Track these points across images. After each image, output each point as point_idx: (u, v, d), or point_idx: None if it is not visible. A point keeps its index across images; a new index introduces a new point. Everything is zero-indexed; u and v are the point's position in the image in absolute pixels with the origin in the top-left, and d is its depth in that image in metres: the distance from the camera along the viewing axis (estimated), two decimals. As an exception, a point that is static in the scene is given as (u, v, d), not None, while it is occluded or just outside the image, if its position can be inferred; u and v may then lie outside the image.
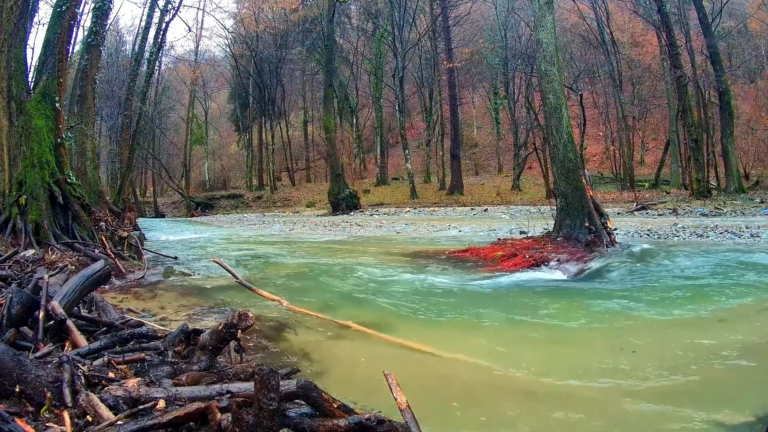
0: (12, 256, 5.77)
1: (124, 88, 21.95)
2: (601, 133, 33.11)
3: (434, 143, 34.61)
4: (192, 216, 33.91)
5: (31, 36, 18.93)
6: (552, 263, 6.82)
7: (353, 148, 39.21)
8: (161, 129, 40.34)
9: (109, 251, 7.27)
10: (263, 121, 39.09)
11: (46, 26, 8.64)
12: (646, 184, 26.34)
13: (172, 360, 2.66)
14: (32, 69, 9.25)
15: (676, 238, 9.55)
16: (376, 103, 36.94)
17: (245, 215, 30.26)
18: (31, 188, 7.19)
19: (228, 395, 2.03)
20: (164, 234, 16.39)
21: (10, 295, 2.71)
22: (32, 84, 8.08)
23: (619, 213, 16.33)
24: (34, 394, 1.95)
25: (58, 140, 7.92)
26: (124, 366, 2.44)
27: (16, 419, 1.73)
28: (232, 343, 2.84)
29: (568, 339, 3.90)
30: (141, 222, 16.17)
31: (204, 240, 14.17)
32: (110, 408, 1.92)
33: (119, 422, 1.81)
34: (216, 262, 6.29)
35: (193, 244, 12.56)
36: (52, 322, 2.82)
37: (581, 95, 19.90)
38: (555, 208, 8.75)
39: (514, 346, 3.79)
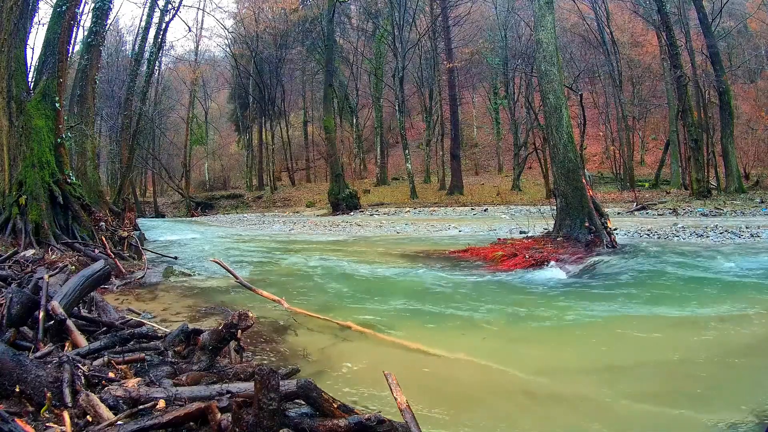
0: (12, 256, 5.78)
1: (124, 88, 21.96)
2: (601, 133, 33.11)
3: (434, 143, 34.62)
4: (192, 216, 33.90)
5: (31, 36, 18.95)
6: (552, 263, 6.82)
7: (353, 148, 39.20)
8: (161, 129, 40.31)
9: (109, 251, 7.28)
10: (263, 121, 39.09)
11: (46, 26, 8.65)
12: (646, 184, 26.34)
13: (172, 360, 2.66)
14: (32, 69, 9.26)
15: (676, 239, 9.54)
16: (376, 103, 36.94)
17: (245, 215, 30.24)
18: (31, 188, 7.20)
19: (228, 395, 2.03)
20: (164, 234, 16.38)
21: (10, 295, 2.71)
22: (32, 84, 8.08)
23: (619, 213, 16.32)
24: (34, 394, 1.95)
25: (58, 140, 7.92)
26: (124, 366, 2.44)
27: (16, 419, 1.73)
28: (232, 343, 2.84)
29: (567, 339, 3.90)
30: (141, 222, 16.18)
31: (204, 240, 14.17)
32: (110, 408, 1.92)
33: (119, 422, 1.81)
34: (216, 262, 6.29)
35: (193, 244, 12.56)
36: (52, 322, 2.82)
37: (581, 95, 19.85)
38: (555, 208, 8.75)
39: (514, 346, 3.79)
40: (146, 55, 19.26)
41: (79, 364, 2.25)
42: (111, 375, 2.28)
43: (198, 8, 34.05)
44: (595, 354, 3.53)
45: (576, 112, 21.42)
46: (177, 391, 2.08)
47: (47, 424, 1.81)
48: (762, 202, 16.81)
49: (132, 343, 2.85)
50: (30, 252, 6.25)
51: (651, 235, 10.15)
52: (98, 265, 3.53)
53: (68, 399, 1.95)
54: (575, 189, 8.08)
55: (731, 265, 6.58)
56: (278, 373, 1.73)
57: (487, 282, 6.15)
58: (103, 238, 7.68)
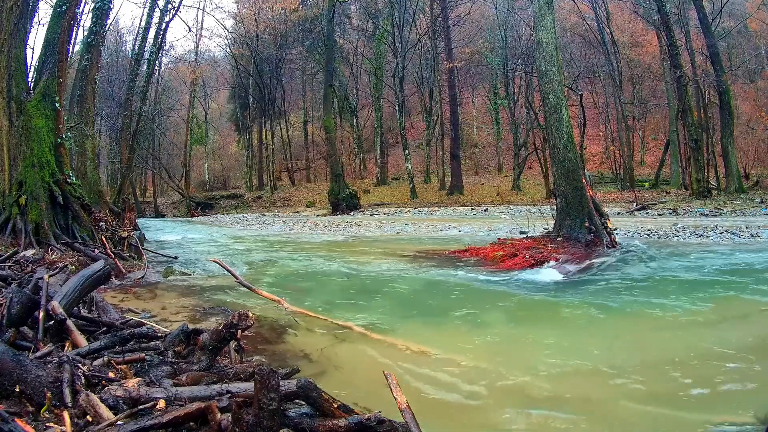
0: (12, 256, 5.77)
1: (124, 88, 21.98)
2: (601, 133, 33.13)
3: (434, 143, 34.64)
4: (192, 216, 33.93)
5: (31, 36, 18.98)
6: (552, 263, 6.81)
7: (353, 148, 39.22)
8: (161, 129, 40.36)
9: (109, 251, 7.27)
10: (263, 121, 39.13)
11: (46, 26, 8.65)
12: (646, 184, 26.35)
13: (172, 360, 2.65)
14: (32, 69, 9.26)
15: (676, 238, 9.54)
16: (376, 103, 36.96)
17: (245, 215, 30.25)
18: (31, 188, 7.19)
19: (228, 395, 2.03)
20: (164, 234, 16.38)
21: (10, 295, 2.71)
22: (32, 84, 8.08)
23: (619, 213, 16.33)
24: (34, 394, 1.95)
25: (58, 140, 7.92)
26: (124, 366, 2.44)
27: (16, 419, 1.73)
28: (233, 343, 2.84)
29: (567, 339, 3.89)
30: (141, 222, 16.18)
31: (204, 240, 14.17)
32: (110, 408, 1.92)
33: (119, 422, 1.80)
34: (216, 262, 6.29)
35: (193, 244, 12.56)
36: (52, 322, 2.81)
37: (581, 95, 19.85)
38: (555, 208, 8.75)
39: (513, 346, 3.79)
40: (146, 55, 19.28)
41: (79, 364, 2.24)
42: (111, 375, 2.28)
43: (198, 8, 34.17)
44: (595, 354, 3.53)
45: (576, 112, 21.42)
46: (177, 391, 2.08)
47: (47, 424, 1.81)
48: (762, 202, 16.82)
49: (132, 343, 2.84)
50: (30, 252, 6.24)
51: (651, 235, 10.15)
52: (98, 265, 3.53)
53: (68, 399, 1.95)
54: (575, 189, 8.08)
55: (730, 264, 6.58)
56: (278, 373, 1.73)
57: (487, 282, 6.15)
58: (103, 238, 7.67)
